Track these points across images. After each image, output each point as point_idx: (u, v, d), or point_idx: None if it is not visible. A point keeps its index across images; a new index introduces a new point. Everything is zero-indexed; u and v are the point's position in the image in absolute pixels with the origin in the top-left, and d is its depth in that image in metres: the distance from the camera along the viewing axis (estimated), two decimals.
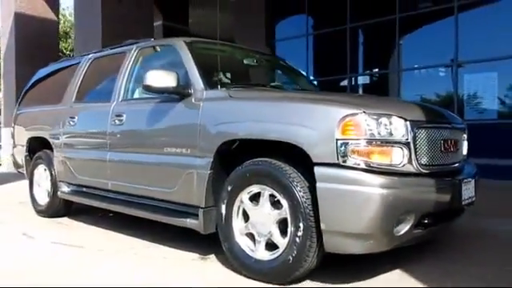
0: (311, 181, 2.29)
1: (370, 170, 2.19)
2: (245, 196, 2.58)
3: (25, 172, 5.00)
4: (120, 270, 2.78)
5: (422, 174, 2.35)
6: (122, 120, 3.45)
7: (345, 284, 2.43)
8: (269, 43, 9.79)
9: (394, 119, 2.29)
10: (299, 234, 2.29)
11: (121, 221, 4.08)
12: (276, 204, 2.46)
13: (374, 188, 2.14)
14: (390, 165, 2.24)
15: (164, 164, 3.06)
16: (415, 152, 2.32)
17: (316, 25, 9.74)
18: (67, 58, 9.64)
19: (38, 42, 9.89)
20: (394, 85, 8.52)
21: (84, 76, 4.26)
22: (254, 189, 2.55)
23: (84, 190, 4.02)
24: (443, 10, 7.61)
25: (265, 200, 2.50)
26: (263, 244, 2.50)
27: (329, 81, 9.28)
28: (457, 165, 2.72)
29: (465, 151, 2.91)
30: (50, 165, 4.41)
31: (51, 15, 10.55)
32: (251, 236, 2.57)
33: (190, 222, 2.84)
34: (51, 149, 4.39)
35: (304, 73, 5.67)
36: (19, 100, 5.39)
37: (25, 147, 4.90)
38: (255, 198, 2.57)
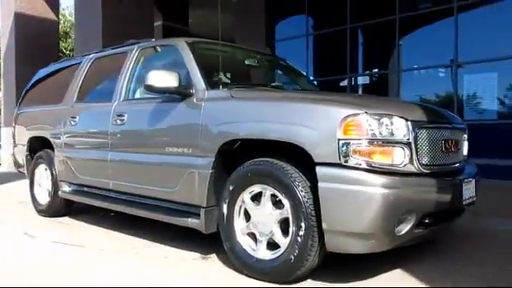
0: (313, 180, 2.30)
1: (372, 169, 2.20)
2: (246, 196, 2.59)
3: (25, 171, 5.00)
4: (121, 270, 2.78)
5: (423, 173, 2.36)
6: (123, 120, 3.45)
7: (346, 283, 2.44)
8: (269, 43, 9.80)
9: (396, 119, 2.30)
10: (301, 233, 2.30)
11: (122, 220, 4.09)
12: (277, 204, 2.47)
13: (376, 188, 2.15)
14: (392, 165, 2.25)
15: (165, 164, 3.06)
16: (416, 152, 2.33)
17: (316, 25, 9.75)
18: (68, 57, 9.64)
19: (38, 42, 9.90)
20: (393, 85, 8.53)
21: (85, 76, 4.27)
22: (256, 188, 2.56)
23: (85, 189, 4.03)
24: (443, 10, 7.62)
25: (266, 200, 2.51)
26: (265, 243, 2.51)
27: (329, 81, 9.29)
28: (457, 165, 2.73)
29: (465, 151, 2.92)
30: (50, 164, 4.41)
31: (51, 15, 10.56)
32: (253, 235, 2.58)
33: (191, 222, 2.85)
34: (52, 148, 4.39)
35: (304, 73, 5.67)
36: (20, 100, 5.39)
37: (26, 147, 4.90)
38: (257, 197, 2.57)
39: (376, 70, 9.36)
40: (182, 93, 2.99)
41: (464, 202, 2.59)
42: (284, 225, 2.44)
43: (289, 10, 10.16)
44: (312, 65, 9.72)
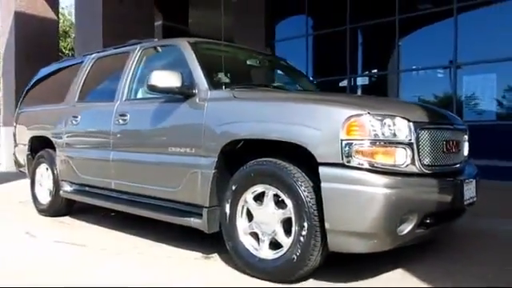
0: (315, 180, 2.32)
1: (374, 170, 2.22)
2: (249, 196, 2.61)
3: (26, 171, 5.01)
4: (124, 270, 2.79)
5: (424, 174, 2.38)
6: (125, 120, 3.46)
7: (348, 283, 2.45)
8: (268, 43, 9.81)
9: (398, 120, 2.32)
10: (303, 233, 2.32)
11: (123, 220, 4.10)
12: (280, 203, 2.49)
13: (378, 188, 2.17)
14: (394, 165, 2.27)
15: (168, 164, 3.08)
16: (418, 152, 2.35)
17: (316, 25, 9.77)
18: (68, 57, 9.63)
19: (37, 42, 9.88)
20: (393, 86, 8.55)
21: (87, 75, 4.27)
22: (258, 188, 2.57)
23: (87, 189, 4.03)
24: (442, 11, 7.64)
25: (269, 200, 2.53)
26: (267, 243, 2.53)
27: (328, 81, 9.30)
28: (458, 165, 2.75)
29: (466, 152, 2.95)
30: (52, 164, 4.42)
31: (51, 14, 10.54)
32: (255, 235, 2.60)
33: (193, 222, 2.86)
34: (53, 148, 4.40)
35: (304, 73, 5.69)
36: (21, 99, 5.39)
37: (27, 146, 4.91)
38: (259, 197, 2.59)
39: (375, 70, 9.37)
40: (184, 93, 3.00)
41: (465, 203, 2.62)
42: (286, 224, 2.45)
43: (289, 11, 10.17)
44: (311, 65, 9.73)
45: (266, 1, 9.76)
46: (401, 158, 2.29)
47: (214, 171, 2.75)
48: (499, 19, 7.01)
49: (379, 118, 2.27)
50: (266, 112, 2.65)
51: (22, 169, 5.20)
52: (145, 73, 3.48)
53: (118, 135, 3.54)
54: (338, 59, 9.20)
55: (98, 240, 3.54)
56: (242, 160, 2.68)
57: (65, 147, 4.22)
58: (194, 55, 3.18)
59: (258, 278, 2.52)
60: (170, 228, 3.36)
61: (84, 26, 8.54)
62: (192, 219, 2.87)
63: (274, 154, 2.54)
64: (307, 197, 2.32)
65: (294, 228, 2.37)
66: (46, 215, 4.54)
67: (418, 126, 2.39)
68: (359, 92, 9.06)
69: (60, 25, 13.55)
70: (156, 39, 4.00)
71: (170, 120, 3.11)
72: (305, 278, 2.45)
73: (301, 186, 2.35)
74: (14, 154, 5.33)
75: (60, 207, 4.44)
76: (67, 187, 4.21)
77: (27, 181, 5.15)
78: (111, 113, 3.60)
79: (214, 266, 2.82)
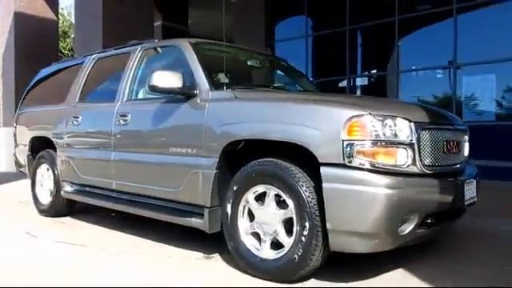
0: (316, 181, 2.33)
1: (376, 170, 2.23)
2: (250, 196, 2.61)
3: (27, 171, 5.01)
4: (125, 270, 2.80)
5: (425, 174, 2.39)
6: (126, 120, 3.47)
7: (349, 283, 2.46)
8: (268, 44, 9.82)
9: (399, 120, 2.33)
10: (305, 233, 2.32)
11: (123, 220, 4.11)
12: (281, 204, 2.50)
13: (380, 188, 2.18)
14: (395, 165, 2.28)
15: (169, 164, 3.08)
16: (419, 153, 2.36)
17: (315, 26, 9.78)
18: (69, 57, 9.63)
19: (37, 42, 9.88)
20: (392, 86, 8.56)
21: (88, 76, 4.28)
22: (260, 189, 2.58)
23: (87, 189, 4.04)
24: (442, 12, 7.66)
25: (270, 200, 2.54)
26: (268, 243, 2.54)
27: (328, 82, 9.31)
28: (459, 166, 2.76)
29: (466, 152, 2.96)
30: (52, 164, 4.42)
31: (51, 15, 10.54)
32: (256, 235, 2.60)
33: (195, 222, 2.87)
34: (54, 148, 4.40)
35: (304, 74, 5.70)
36: (21, 100, 5.39)
37: (27, 147, 4.91)
38: (261, 197, 2.60)
39: (375, 71, 9.39)
40: (185, 93, 3.00)
41: (465, 203, 2.63)
42: (288, 224, 2.46)
43: (288, 11, 10.19)
44: (311, 65, 9.75)
45: (265, 1, 9.77)
46: (402, 158, 2.29)
47: (215, 171, 2.76)
48: (498, 20, 7.03)
49: (380, 118, 2.28)
50: (268, 112, 2.66)
51: (22, 169, 5.20)
52: (146, 73, 3.49)
53: (119, 136, 3.54)
54: (337, 60, 9.21)
55: (98, 240, 3.54)
56: (243, 160, 2.68)
57: (66, 147, 4.23)
58: (195, 56, 3.18)
59: (260, 278, 2.53)
60: (171, 228, 3.37)
61: (84, 27, 8.54)
62: (193, 219, 2.88)
63: (275, 154, 2.55)
64: (309, 197, 2.33)
65: (296, 228, 2.38)
66: (46, 215, 4.54)
67: (419, 127, 2.40)
68: (358, 92, 9.08)
69: (59, 25, 13.54)
70: (157, 40, 4.00)
71: (171, 120, 3.11)
72: (306, 278, 2.46)
73: (302, 186, 2.35)
74: (15, 154, 5.33)
75: (61, 207, 4.44)
76: (68, 187, 4.22)
77: (27, 181, 5.16)
78: (112, 113, 3.61)
79: (215, 266, 2.83)
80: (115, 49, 4.17)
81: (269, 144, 2.58)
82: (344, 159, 2.24)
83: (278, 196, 2.50)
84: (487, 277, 2.56)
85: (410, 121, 2.35)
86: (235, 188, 2.65)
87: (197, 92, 2.99)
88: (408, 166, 2.31)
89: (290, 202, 2.42)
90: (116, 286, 2.49)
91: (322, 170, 2.28)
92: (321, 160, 2.30)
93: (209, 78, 3.04)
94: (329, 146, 2.28)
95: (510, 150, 6.50)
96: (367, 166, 2.22)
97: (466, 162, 2.92)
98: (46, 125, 4.62)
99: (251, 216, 2.63)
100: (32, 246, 3.48)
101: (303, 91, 3.99)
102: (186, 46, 3.30)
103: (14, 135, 5.34)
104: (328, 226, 2.26)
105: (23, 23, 9.97)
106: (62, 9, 20.65)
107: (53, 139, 4.41)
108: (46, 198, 4.57)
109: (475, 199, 2.78)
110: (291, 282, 2.43)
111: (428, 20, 8.09)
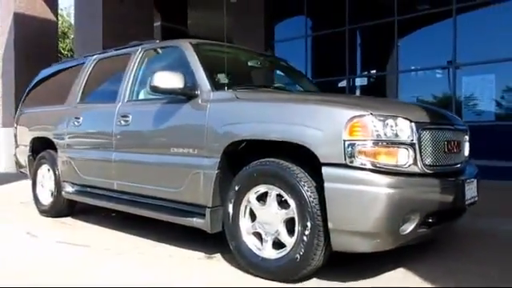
0: (318, 181, 2.34)
1: (377, 170, 2.24)
2: (252, 196, 2.62)
3: (27, 172, 5.01)
4: (126, 270, 2.80)
5: (426, 174, 2.40)
6: (127, 121, 3.48)
7: (350, 282, 2.47)
8: (268, 44, 9.84)
9: (400, 121, 2.34)
10: (307, 232, 2.33)
11: (124, 220, 4.11)
12: (283, 203, 2.51)
13: (381, 188, 2.19)
14: (396, 165, 2.29)
15: (171, 164, 3.09)
16: (420, 153, 2.37)
17: (315, 26, 9.80)
18: (69, 58, 9.63)
19: (37, 42, 9.89)
20: (392, 86, 8.58)
21: (89, 77, 4.29)
22: (261, 189, 2.59)
23: (88, 189, 4.04)
24: (441, 12, 7.68)
25: (272, 200, 2.54)
26: (270, 243, 2.54)
27: (327, 82, 9.33)
28: (459, 165, 2.77)
29: (467, 152, 2.97)
30: (53, 165, 4.43)
31: (50, 15, 10.55)
32: (258, 235, 2.61)
33: (196, 222, 2.88)
34: (55, 149, 4.41)
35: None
36: (22, 100, 5.40)
37: (28, 147, 4.91)
38: (262, 197, 2.61)
39: (374, 71, 9.41)
40: (187, 94, 3.01)
41: (466, 202, 2.64)
42: (289, 224, 2.47)
43: (288, 11, 10.20)
44: (311, 66, 9.76)
45: (265, 1, 9.78)
46: (403, 158, 2.31)
47: (216, 171, 2.77)
48: (498, 20, 7.05)
49: (381, 118, 2.29)
50: (270, 113, 2.66)
51: (22, 170, 5.21)
52: (146, 74, 3.50)
53: (120, 136, 3.55)
54: (337, 60, 9.23)
55: (99, 240, 3.55)
56: (244, 160, 2.69)
57: (66, 148, 4.23)
58: (196, 56, 3.19)
59: (261, 278, 2.53)
60: (172, 228, 3.38)
61: (84, 27, 8.55)
62: (194, 219, 2.89)
63: (277, 154, 2.56)
64: (310, 197, 2.34)
65: (297, 228, 2.39)
66: (47, 216, 4.55)
67: (420, 127, 2.41)
68: (358, 92, 9.09)
69: (58, 26, 13.53)
70: (157, 40, 4.01)
71: (172, 121, 3.12)
72: (308, 278, 2.47)
73: (304, 186, 2.36)
74: (15, 154, 5.34)
75: (61, 208, 4.45)
76: (69, 188, 4.23)
77: (27, 182, 5.16)
78: (113, 114, 3.61)
79: (216, 266, 2.83)
80: (116, 49, 4.17)
81: (270, 144, 2.59)
82: (345, 159, 2.25)
83: (279, 196, 2.51)
84: (488, 275, 2.57)
85: (411, 121, 2.37)
86: (237, 188, 2.66)
87: (198, 92, 3.00)
88: (409, 165, 2.32)
89: (291, 201, 2.43)
90: (117, 285, 2.49)
91: (324, 169, 2.29)
92: (322, 160, 2.30)
93: (210, 78, 3.05)
94: (330, 146, 2.29)
95: (509, 150, 6.52)
96: (368, 165, 2.23)
97: (466, 161, 2.94)
98: (46, 125, 4.63)
99: (253, 216, 2.64)
100: (33, 246, 3.48)
101: (304, 91, 4.00)
102: (187, 47, 3.31)
103: (15, 136, 5.35)
104: (330, 225, 2.26)
105: (23, 24, 9.97)
106: (62, 9, 20.65)
107: (54, 140, 4.41)
108: (46, 199, 4.58)
109: (476, 199, 2.80)
110: (293, 282, 2.44)
111: (427, 20, 8.10)
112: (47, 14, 10.44)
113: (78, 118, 4.11)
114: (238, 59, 3.92)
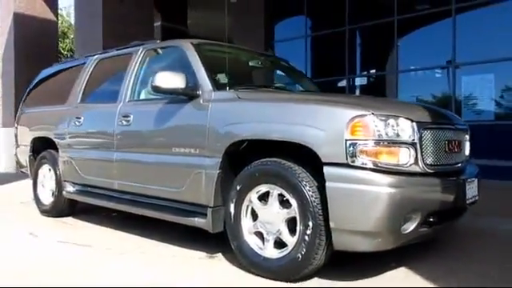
0: (319, 180, 2.35)
1: (378, 169, 2.25)
2: (253, 195, 2.63)
3: (28, 172, 5.02)
4: (128, 269, 2.81)
5: (427, 173, 2.41)
6: (129, 120, 3.48)
7: (352, 282, 2.48)
8: (268, 44, 9.84)
9: (401, 120, 2.35)
10: (308, 232, 2.34)
11: (125, 220, 4.12)
12: (284, 203, 2.51)
13: (382, 187, 2.20)
14: (397, 165, 2.30)
15: (172, 164, 3.10)
16: (421, 152, 2.38)
17: (315, 26, 9.80)
18: (69, 58, 9.63)
19: (37, 42, 9.88)
20: (391, 86, 8.58)
21: (90, 77, 4.29)
22: (263, 188, 2.60)
23: (89, 189, 4.05)
24: (441, 12, 7.69)
25: (273, 199, 2.55)
26: (272, 242, 2.55)
27: (327, 82, 9.33)
28: (460, 165, 2.78)
29: (467, 151, 2.98)
30: (54, 165, 4.43)
31: (50, 15, 10.54)
32: (260, 235, 2.62)
33: (198, 221, 2.89)
34: (56, 149, 4.41)
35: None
36: (22, 100, 5.40)
37: (29, 147, 4.92)
38: (264, 197, 2.61)
39: (374, 70, 9.41)
40: (188, 94, 3.02)
41: (467, 202, 2.65)
42: (291, 224, 2.48)
43: (288, 11, 10.20)
44: (310, 66, 9.76)
45: (265, 1, 9.78)
46: (404, 157, 2.32)
47: (218, 171, 2.77)
48: (497, 20, 7.06)
49: (383, 118, 2.30)
50: (271, 113, 2.67)
51: (23, 169, 5.21)
52: (148, 74, 3.51)
53: (122, 136, 3.56)
54: (336, 60, 9.23)
55: (101, 240, 3.55)
56: (246, 160, 2.70)
57: (67, 148, 4.24)
58: (197, 56, 3.20)
59: (263, 277, 2.54)
60: (174, 228, 3.38)
61: (84, 27, 8.55)
62: (196, 219, 2.90)
63: (278, 154, 2.57)
64: (312, 196, 2.35)
65: (299, 227, 2.40)
66: (48, 216, 4.55)
67: (421, 126, 2.42)
68: (358, 92, 9.10)
69: (58, 26, 13.53)
70: (158, 40, 4.02)
71: (173, 121, 3.13)
72: (309, 277, 2.48)
73: (305, 185, 2.37)
74: (16, 154, 5.34)
75: (63, 208, 4.45)
76: (70, 188, 4.23)
77: (28, 182, 5.17)
78: (114, 114, 3.62)
79: (218, 266, 2.84)
80: (117, 49, 4.18)
81: (272, 144, 2.60)
82: (347, 159, 2.26)
83: (281, 195, 2.52)
84: (488, 274, 2.58)
85: (412, 120, 2.38)
86: (238, 188, 2.67)
87: (199, 92, 3.01)
88: (410, 165, 2.33)
89: (293, 201, 2.44)
90: (119, 285, 2.50)
91: (325, 169, 2.30)
92: (324, 160, 2.31)
93: (211, 78, 3.06)
94: (332, 145, 2.30)
95: (509, 150, 6.52)
96: (370, 165, 2.24)
97: (467, 161, 2.95)
98: (47, 125, 4.63)
99: (254, 215, 2.65)
100: (34, 245, 3.49)
101: (305, 91, 4.00)
102: (188, 47, 3.32)
103: (16, 136, 5.35)
104: (331, 225, 2.27)
105: (23, 24, 9.96)
106: (61, 9, 20.61)
107: (55, 140, 4.42)
108: (47, 199, 4.58)
109: (477, 198, 2.81)
110: (294, 281, 2.45)
111: (427, 20, 8.11)
112: (47, 14, 10.44)
113: (79, 118, 4.11)
114: (239, 59, 3.92)
